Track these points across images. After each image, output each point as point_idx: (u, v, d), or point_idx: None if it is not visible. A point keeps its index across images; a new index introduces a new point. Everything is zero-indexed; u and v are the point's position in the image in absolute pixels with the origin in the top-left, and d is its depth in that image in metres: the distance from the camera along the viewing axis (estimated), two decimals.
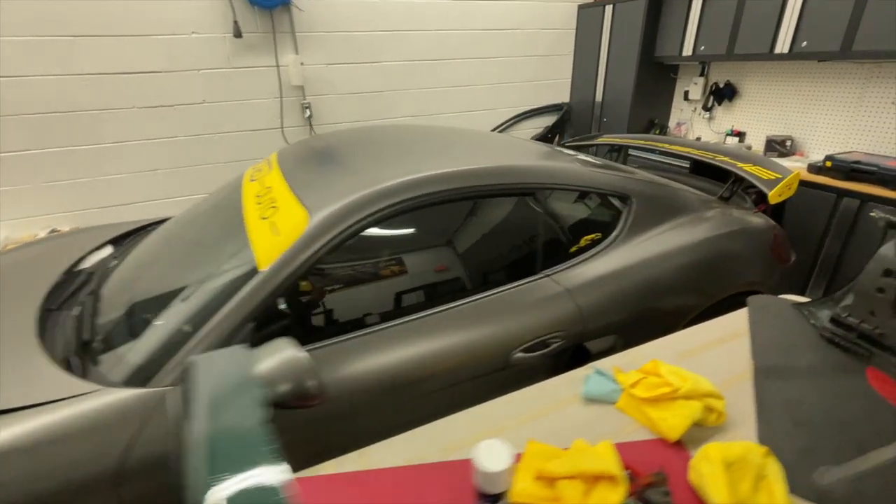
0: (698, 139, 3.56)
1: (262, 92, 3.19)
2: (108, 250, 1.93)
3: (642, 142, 2.58)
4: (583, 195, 1.66)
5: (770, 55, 2.72)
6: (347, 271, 1.35)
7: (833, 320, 1.30)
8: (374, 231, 1.36)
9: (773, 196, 1.88)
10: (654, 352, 1.29)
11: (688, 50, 3.22)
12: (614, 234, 1.62)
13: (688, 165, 2.89)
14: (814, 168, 2.52)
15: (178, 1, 2.81)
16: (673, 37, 3.29)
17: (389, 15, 3.35)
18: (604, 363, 1.23)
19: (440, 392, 1.28)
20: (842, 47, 2.38)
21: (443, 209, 1.45)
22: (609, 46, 3.70)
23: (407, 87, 3.62)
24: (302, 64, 3.20)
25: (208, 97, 3.07)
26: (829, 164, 2.44)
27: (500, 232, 1.54)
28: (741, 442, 0.91)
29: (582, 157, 1.86)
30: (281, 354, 1.01)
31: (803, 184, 2.55)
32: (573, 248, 1.57)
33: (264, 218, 1.35)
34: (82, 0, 2.64)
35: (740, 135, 3.30)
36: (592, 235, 1.60)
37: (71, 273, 1.70)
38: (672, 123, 3.85)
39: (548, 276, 1.48)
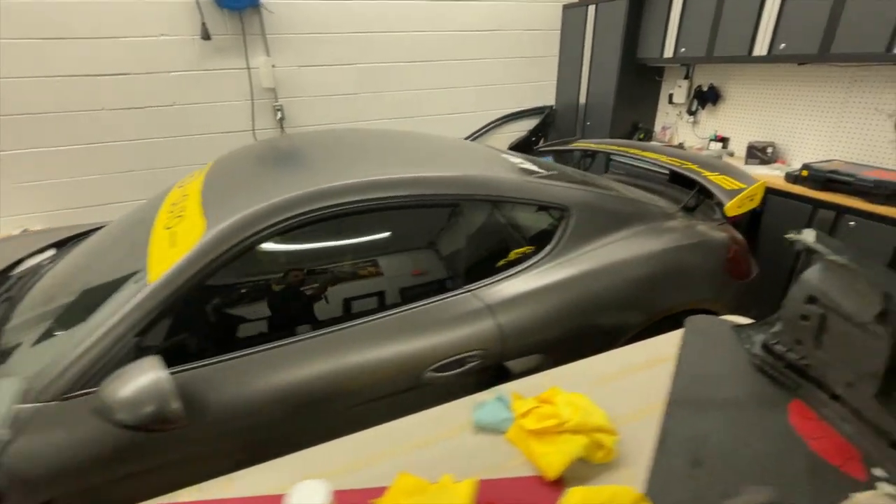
0: (681, 145, 3.44)
1: (233, 94, 3.16)
2: (50, 254, 1.92)
3: (614, 147, 2.49)
4: (519, 206, 1.57)
5: (749, 57, 2.60)
6: (251, 285, 1.30)
7: (764, 347, 1.21)
8: (282, 244, 1.31)
9: (731, 208, 1.79)
10: (571, 375, 1.21)
11: (669, 52, 3.11)
12: (549, 247, 1.54)
13: (667, 173, 2.77)
14: (791, 177, 2.40)
15: (147, 4, 2.80)
16: (654, 38, 3.18)
17: (364, 17, 3.30)
18: (509, 387, 1.16)
19: (353, 409, 1.22)
20: (820, 50, 2.25)
21: (361, 220, 1.39)
22: (592, 48, 3.60)
23: (384, 90, 3.57)
24: (273, 66, 3.16)
25: (179, 99, 3.06)
26: (805, 173, 2.32)
27: (420, 245, 1.47)
28: (612, 486, 0.83)
29: (527, 165, 1.78)
30: (143, 377, 0.96)
31: (780, 194, 2.43)
32: (501, 263, 1.49)
33: (168, 228, 1.31)
34: (52, 4, 2.64)
35: (724, 140, 3.17)
36: (524, 249, 1.53)
37: (2, 276, 1.68)
38: (658, 127, 3.73)
39: (470, 291, 1.41)
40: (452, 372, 1.32)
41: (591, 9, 3.53)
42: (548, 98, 4.15)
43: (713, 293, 1.70)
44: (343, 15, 3.24)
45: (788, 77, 2.75)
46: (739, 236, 1.93)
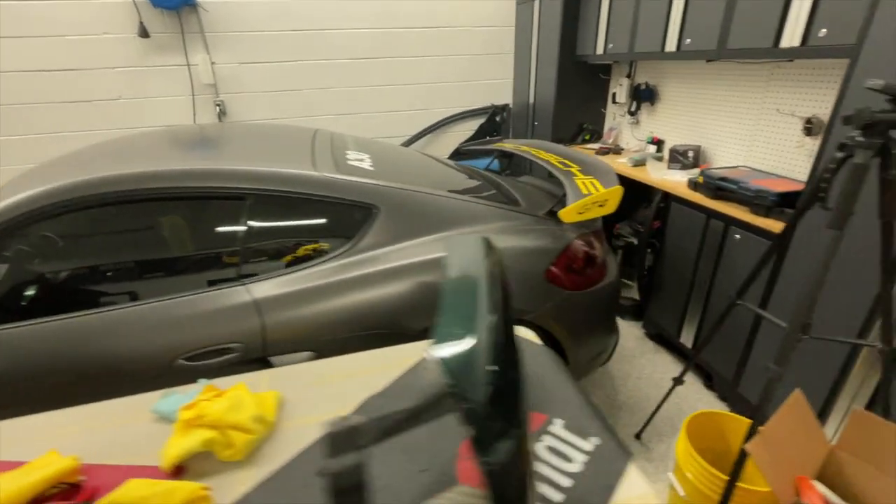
0: (618, 148, 3.28)
1: (176, 90, 3.32)
2: None
3: (523, 148, 2.43)
4: (320, 203, 1.57)
5: (662, 53, 2.45)
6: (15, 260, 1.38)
7: None
8: (57, 226, 1.38)
9: (566, 213, 1.70)
10: (299, 372, 1.21)
11: (600, 48, 2.97)
12: (346, 246, 1.54)
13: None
14: (692, 184, 2.24)
15: (89, 5, 2.99)
16: (589, 33, 3.05)
17: (303, 14, 3.37)
18: (207, 381, 1.18)
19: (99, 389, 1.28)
20: (718, 45, 2.09)
21: (144, 209, 1.44)
22: (537, 45, 3.49)
23: (328, 86, 3.63)
24: (213, 63, 3.29)
25: (124, 94, 3.25)
26: (701, 179, 2.16)
27: (203, 237, 1.50)
28: (173, 483, 0.84)
29: (352, 162, 1.76)
30: None
31: (682, 202, 2.28)
32: (287, 259, 1.50)
33: None
34: (6, 5, 2.87)
35: (659, 143, 3.00)
36: (314, 245, 1.53)
37: None
38: (606, 128, 3.57)
39: (244, 285, 1.44)
40: (207, 361, 1.35)
41: (537, 4, 3.43)
42: (505, 96, 4.07)
43: (527, 304, 1.63)
44: (282, 12, 3.32)
45: (710, 75, 2.57)
46: (595, 244, 1.85)
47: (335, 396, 1.12)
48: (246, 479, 0.91)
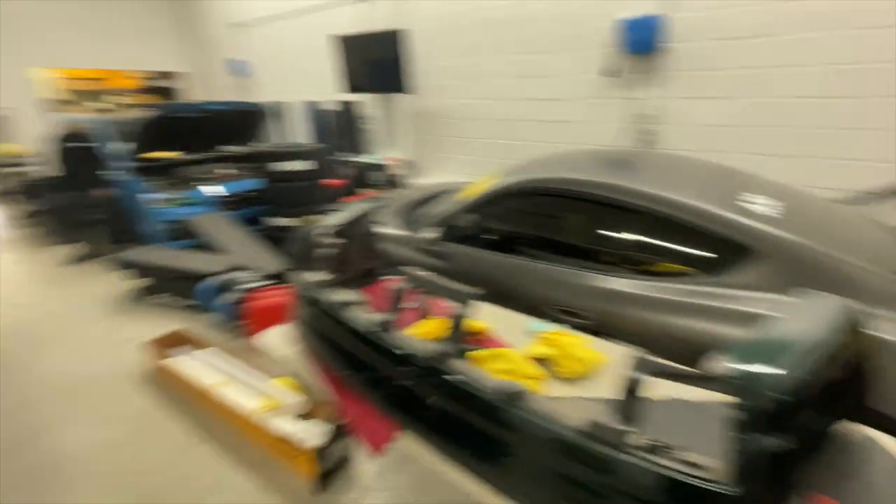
0: None
1: (617, 116, 4.01)
2: None
3: None
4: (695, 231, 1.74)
5: None
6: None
7: None
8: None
9: None
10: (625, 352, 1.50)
11: None
12: (707, 277, 1.67)
13: None
14: None
15: (584, 53, 4.02)
16: None
17: (758, 53, 3.28)
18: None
19: None
20: None
21: (568, 203, 2.04)
22: None
23: (771, 125, 3.41)
24: (658, 97, 3.74)
25: (585, 118, 4.22)
26: None
27: (597, 231, 1.97)
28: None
29: (744, 203, 1.77)
30: None
31: None
32: (648, 267, 1.78)
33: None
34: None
35: None
36: (677, 266, 1.73)
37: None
38: None
39: (612, 275, 1.82)
40: (566, 318, 1.83)
41: None
42: None
43: None
44: (738, 52, 3.36)
45: None
46: None
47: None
48: (563, 392, 1.29)
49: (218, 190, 4.72)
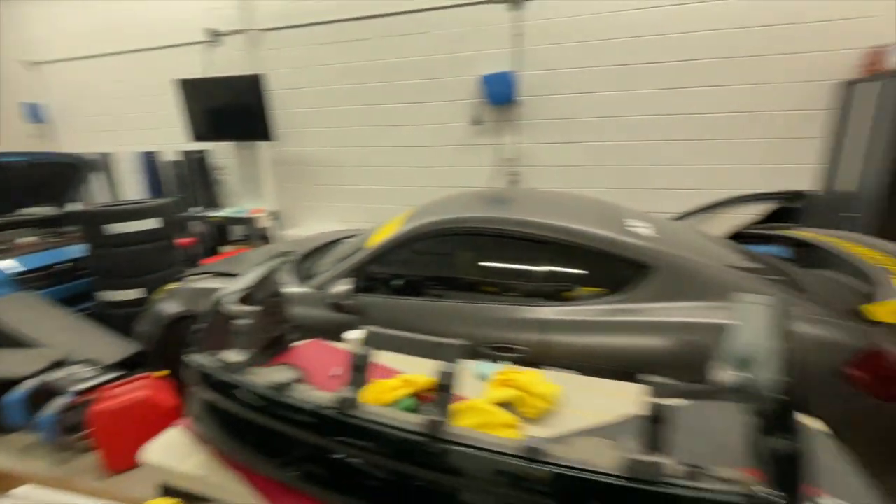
0: None
1: (483, 161, 4.35)
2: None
3: (807, 235, 2.27)
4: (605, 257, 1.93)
5: None
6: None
7: None
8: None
9: (882, 311, 1.55)
10: (572, 379, 1.54)
11: None
12: (617, 295, 1.83)
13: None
14: None
15: (447, 104, 4.32)
16: None
17: (601, 104, 3.95)
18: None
19: None
20: None
21: (475, 240, 2.07)
22: (871, 130, 3.07)
23: (608, 164, 4.07)
24: (519, 143, 4.18)
25: (454, 163, 4.46)
26: None
27: (510, 265, 2.02)
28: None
29: (631, 227, 2.04)
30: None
31: None
32: (567, 294, 1.88)
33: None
34: None
35: None
36: (592, 289, 1.87)
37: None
38: None
39: (533, 306, 1.88)
40: (500, 354, 1.82)
41: (875, 86, 3.04)
42: (801, 183, 3.66)
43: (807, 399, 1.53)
44: (585, 104, 3.99)
45: None
46: None
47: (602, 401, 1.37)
48: (532, 433, 1.24)
49: (10, 265, 3.58)
